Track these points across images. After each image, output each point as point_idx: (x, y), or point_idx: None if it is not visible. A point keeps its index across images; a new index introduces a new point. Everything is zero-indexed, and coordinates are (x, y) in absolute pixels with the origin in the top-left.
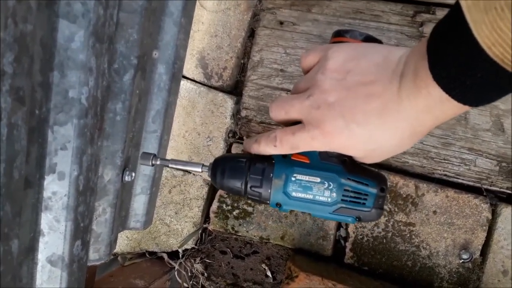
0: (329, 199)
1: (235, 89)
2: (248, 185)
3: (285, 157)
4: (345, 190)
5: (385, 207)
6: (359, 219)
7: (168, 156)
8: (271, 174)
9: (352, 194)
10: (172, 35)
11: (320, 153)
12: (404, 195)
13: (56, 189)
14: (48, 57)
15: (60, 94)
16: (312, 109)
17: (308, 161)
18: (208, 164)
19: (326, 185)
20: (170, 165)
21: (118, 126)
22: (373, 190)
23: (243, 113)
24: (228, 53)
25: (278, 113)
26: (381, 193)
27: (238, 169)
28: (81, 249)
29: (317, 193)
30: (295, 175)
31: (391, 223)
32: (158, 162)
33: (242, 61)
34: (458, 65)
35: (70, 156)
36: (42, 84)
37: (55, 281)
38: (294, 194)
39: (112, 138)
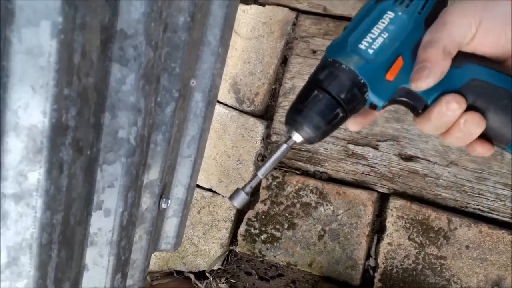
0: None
1: (265, 114)
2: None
3: None
4: None
5: (416, 239)
6: None
7: (199, 178)
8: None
9: None
10: (209, 64)
11: None
12: (436, 228)
13: (102, 225)
14: (101, 100)
15: (110, 134)
16: None
17: None
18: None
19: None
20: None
21: (158, 157)
22: None
23: (273, 138)
24: (260, 79)
25: None
26: None
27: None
28: (121, 281)
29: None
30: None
31: (422, 255)
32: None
33: (274, 87)
34: None
35: (117, 193)
36: (94, 125)
37: None
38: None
39: (152, 168)
